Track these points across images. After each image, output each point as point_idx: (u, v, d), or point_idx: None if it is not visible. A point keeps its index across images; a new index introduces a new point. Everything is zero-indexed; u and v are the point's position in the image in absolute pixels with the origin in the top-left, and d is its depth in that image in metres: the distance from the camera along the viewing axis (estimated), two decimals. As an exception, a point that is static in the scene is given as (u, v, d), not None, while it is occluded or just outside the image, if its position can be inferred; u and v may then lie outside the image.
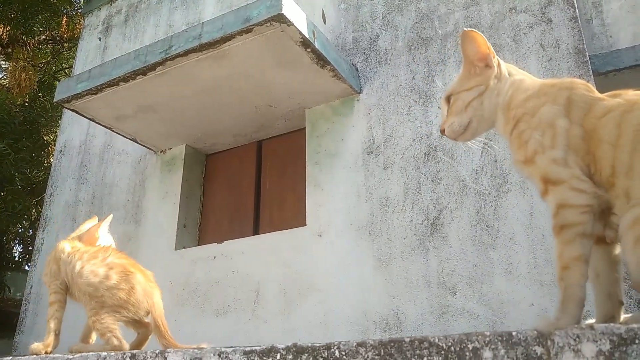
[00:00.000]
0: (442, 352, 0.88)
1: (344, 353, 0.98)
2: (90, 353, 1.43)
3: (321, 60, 3.87)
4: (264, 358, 1.09)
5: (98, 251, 1.92)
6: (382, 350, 0.94)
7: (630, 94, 1.14)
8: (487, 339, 0.84)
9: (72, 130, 5.84)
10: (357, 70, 4.33)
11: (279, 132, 4.80)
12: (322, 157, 4.22)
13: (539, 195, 1.19)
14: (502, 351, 0.82)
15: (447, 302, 3.34)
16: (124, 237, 4.83)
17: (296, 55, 3.82)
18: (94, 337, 1.99)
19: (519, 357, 0.80)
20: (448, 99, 1.43)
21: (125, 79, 4.06)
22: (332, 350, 1.00)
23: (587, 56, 3.63)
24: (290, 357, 1.05)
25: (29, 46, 8.90)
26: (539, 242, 3.20)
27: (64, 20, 9.04)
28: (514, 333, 0.82)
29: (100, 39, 6.18)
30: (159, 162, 5.01)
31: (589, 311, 1.14)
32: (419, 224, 3.62)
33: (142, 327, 1.93)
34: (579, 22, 3.74)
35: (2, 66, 10.22)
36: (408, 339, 0.92)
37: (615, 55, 4.03)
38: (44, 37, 9.34)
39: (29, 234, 11.03)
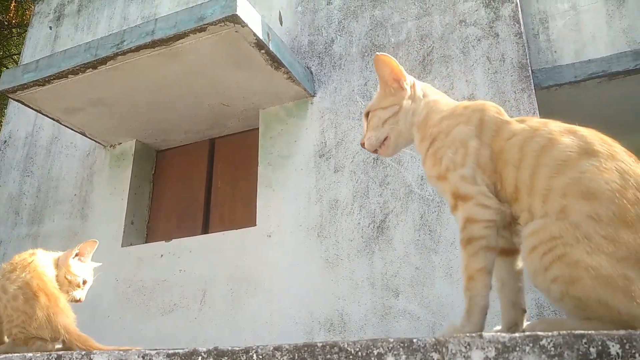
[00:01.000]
0: (350, 356, 0.93)
1: (261, 356, 1.02)
2: (15, 354, 1.41)
3: (275, 62, 3.89)
4: (187, 361, 1.12)
5: (17, 264, 1.83)
6: (296, 355, 0.99)
7: (534, 121, 1.24)
8: (391, 345, 0.89)
9: (18, 121, 5.64)
10: (311, 73, 4.38)
11: (232, 131, 4.80)
12: (274, 158, 4.25)
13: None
14: (404, 356, 0.88)
15: (390, 303, 3.43)
16: (69, 232, 4.72)
17: (250, 56, 3.83)
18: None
19: (418, 362, 0.86)
20: (367, 115, 1.51)
21: (74, 71, 3.97)
22: (250, 354, 1.04)
23: (530, 70, 3.80)
24: (212, 360, 1.08)
25: (-26, 30, 8.54)
26: (478, 248, 3.33)
27: (12, 4, 8.70)
28: (414, 340, 0.88)
29: (51, 28, 6.00)
30: (108, 156, 4.92)
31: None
32: (366, 226, 3.70)
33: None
34: (524, 37, 3.91)
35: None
36: (320, 344, 0.97)
37: (557, 70, 4.23)
38: (-10, 21, 8.97)
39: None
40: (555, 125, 1.20)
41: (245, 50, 3.77)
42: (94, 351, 1.26)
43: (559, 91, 4.18)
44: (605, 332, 0.76)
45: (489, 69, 3.83)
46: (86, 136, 4.81)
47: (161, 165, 5.06)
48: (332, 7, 4.56)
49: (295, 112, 4.34)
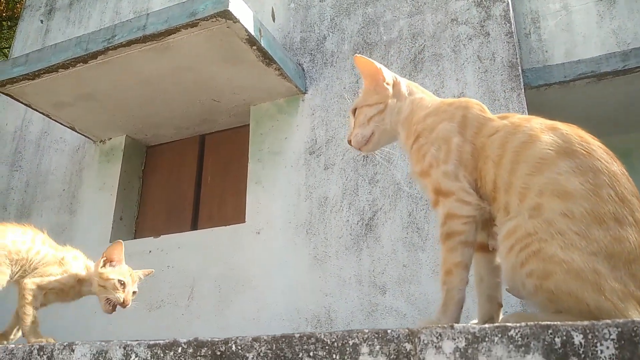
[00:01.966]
0: (327, 347, 0.94)
1: (239, 347, 1.04)
2: (-2, 346, 1.41)
3: (267, 58, 3.90)
4: (167, 351, 1.12)
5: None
6: (274, 345, 1.00)
7: (516, 118, 1.25)
8: (366, 335, 0.91)
9: (6, 115, 5.61)
10: (303, 70, 4.39)
11: (223, 127, 4.80)
12: (264, 154, 4.26)
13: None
14: (378, 347, 0.89)
15: (377, 300, 3.45)
16: (57, 227, 4.70)
17: (242, 52, 3.83)
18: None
19: (391, 352, 0.88)
20: (354, 112, 1.52)
21: (65, 65, 3.96)
22: (230, 344, 1.05)
23: (520, 70, 3.83)
24: (191, 350, 1.09)
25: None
26: (465, 246, 3.35)
27: (3, -3, 8.64)
28: (388, 331, 0.90)
29: (42, 21, 5.96)
30: (98, 152, 4.90)
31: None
32: (355, 224, 3.72)
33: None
34: (514, 37, 3.93)
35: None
36: (298, 335, 0.98)
37: (547, 70, 4.26)
38: (-20, 14, 8.89)
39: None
40: (537, 123, 1.21)
41: (236, 46, 3.77)
42: (76, 342, 1.27)
43: (549, 91, 4.21)
44: (570, 322, 0.78)
45: (479, 68, 3.86)
46: (76, 131, 4.79)
47: (151, 161, 5.05)
48: (324, 4, 4.57)
49: (286, 109, 4.35)
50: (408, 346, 0.87)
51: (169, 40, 3.70)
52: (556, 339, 0.76)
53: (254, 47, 3.79)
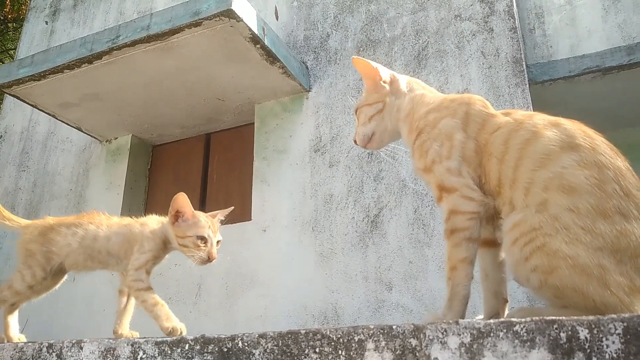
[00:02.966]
0: (332, 342, 0.95)
1: (246, 344, 1.04)
2: (8, 343, 1.43)
3: (271, 56, 3.90)
4: (174, 348, 1.14)
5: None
6: (280, 341, 1.01)
7: (519, 114, 1.25)
8: (371, 331, 0.91)
9: (14, 116, 5.64)
10: (307, 68, 4.39)
11: (228, 126, 4.81)
12: (269, 152, 4.27)
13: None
14: (383, 342, 0.90)
15: (383, 297, 3.45)
16: (65, 227, 4.72)
17: (246, 51, 3.84)
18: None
19: (397, 348, 0.88)
20: (357, 112, 1.53)
21: (70, 66, 3.98)
22: (236, 341, 1.06)
23: (524, 65, 3.81)
24: (198, 347, 1.10)
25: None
26: (471, 242, 3.35)
27: (7, -1, 8.67)
28: (394, 327, 0.90)
29: (47, 22, 5.99)
30: (104, 151, 4.93)
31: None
32: (360, 221, 3.72)
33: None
34: (518, 32, 3.92)
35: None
36: (304, 331, 0.99)
37: (552, 65, 4.24)
38: (-14, 16, 8.93)
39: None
40: (539, 119, 1.21)
41: (240, 45, 3.77)
42: (85, 339, 1.28)
43: (553, 86, 4.20)
44: (575, 317, 0.78)
45: (483, 64, 3.84)
46: (82, 131, 4.82)
47: (157, 160, 5.07)
48: (327, 2, 4.56)
49: (290, 107, 4.35)
50: (413, 342, 0.87)
51: (172, 40, 3.72)
52: (561, 334, 0.76)
53: (258, 46, 3.79)
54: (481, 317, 1.26)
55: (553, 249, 1.02)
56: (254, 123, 4.48)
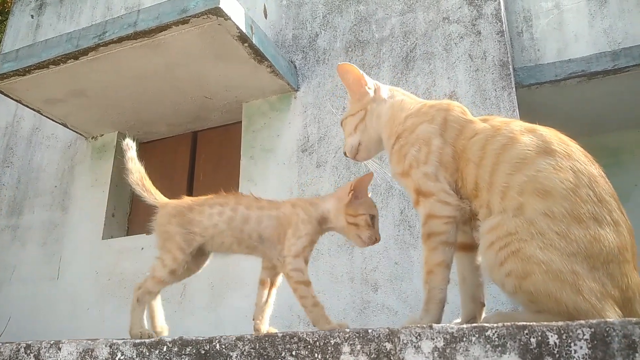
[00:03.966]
0: (309, 346, 0.95)
1: (224, 346, 1.05)
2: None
3: (258, 55, 3.89)
4: (152, 350, 1.13)
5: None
6: (258, 344, 1.01)
7: (497, 120, 1.27)
8: (347, 335, 0.92)
9: (-2, 111, 5.58)
10: (295, 67, 4.38)
11: (215, 124, 4.79)
12: (257, 151, 4.26)
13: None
14: (359, 346, 0.90)
15: (369, 298, 3.47)
16: (49, 224, 4.69)
17: (233, 49, 3.83)
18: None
19: (372, 351, 0.89)
20: (342, 124, 1.54)
21: (55, 62, 3.94)
22: (214, 343, 1.06)
23: (511, 69, 3.84)
24: (176, 349, 1.10)
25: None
26: (456, 243, 3.37)
27: (-7, -9, 8.54)
28: (369, 331, 0.91)
29: (32, 16, 5.92)
30: (90, 148, 4.89)
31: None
32: (346, 221, 3.72)
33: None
34: (506, 36, 3.95)
35: None
36: (281, 335, 0.99)
37: (538, 69, 4.28)
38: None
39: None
40: (516, 125, 1.23)
41: (228, 43, 3.76)
42: (63, 340, 1.28)
43: (540, 90, 4.23)
44: (545, 323, 0.79)
45: (470, 67, 3.87)
46: (67, 127, 4.77)
47: (143, 157, 4.98)
48: (316, 2, 4.56)
49: (278, 106, 4.35)
50: (388, 345, 0.88)
51: (160, 37, 3.69)
52: (532, 339, 0.77)
53: (246, 44, 3.78)
54: (458, 320, 1.28)
55: (527, 255, 1.03)
56: (241, 122, 4.46)
